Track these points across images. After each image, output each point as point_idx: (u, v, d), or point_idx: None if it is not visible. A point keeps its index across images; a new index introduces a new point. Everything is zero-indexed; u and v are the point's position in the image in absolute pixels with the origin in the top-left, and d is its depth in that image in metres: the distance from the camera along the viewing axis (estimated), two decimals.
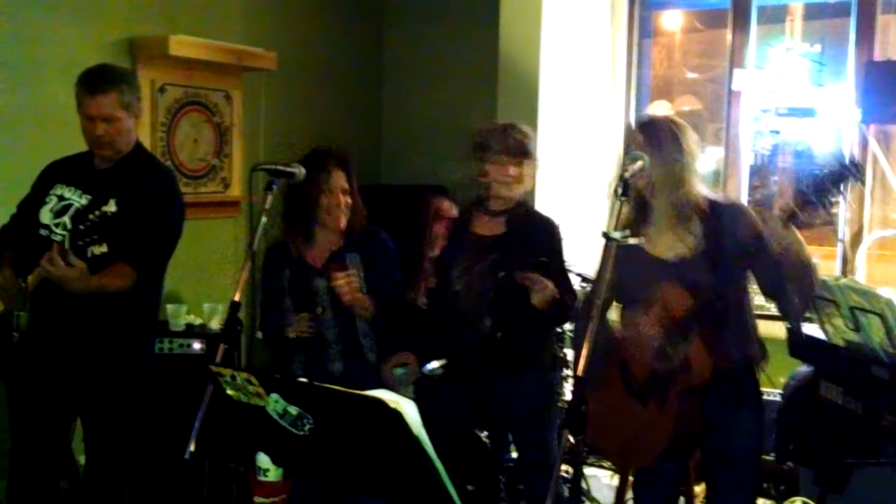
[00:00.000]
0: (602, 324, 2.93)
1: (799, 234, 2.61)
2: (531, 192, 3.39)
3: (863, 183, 2.57)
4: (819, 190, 2.53)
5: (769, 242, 2.63)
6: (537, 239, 3.25)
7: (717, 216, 2.85)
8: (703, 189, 2.88)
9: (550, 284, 3.07)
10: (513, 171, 3.24)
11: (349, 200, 3.30)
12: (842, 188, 2.52)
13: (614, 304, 3.02)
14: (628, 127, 3.04)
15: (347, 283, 3.17)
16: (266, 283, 3.36)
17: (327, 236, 3.34)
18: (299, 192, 3.19)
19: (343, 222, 3.30)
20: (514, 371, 3.29)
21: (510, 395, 3.33)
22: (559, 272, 3.25)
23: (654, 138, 2.83)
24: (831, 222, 2.54)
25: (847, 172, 2.51)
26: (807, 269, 2.67)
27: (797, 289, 2.73)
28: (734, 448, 2.84)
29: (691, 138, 2.88)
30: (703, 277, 2.75)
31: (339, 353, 3.31)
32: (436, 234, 4.48)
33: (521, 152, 3.24)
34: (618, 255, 2.77)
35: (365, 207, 3.40)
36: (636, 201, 2.87)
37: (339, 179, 3.28)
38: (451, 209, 4.52)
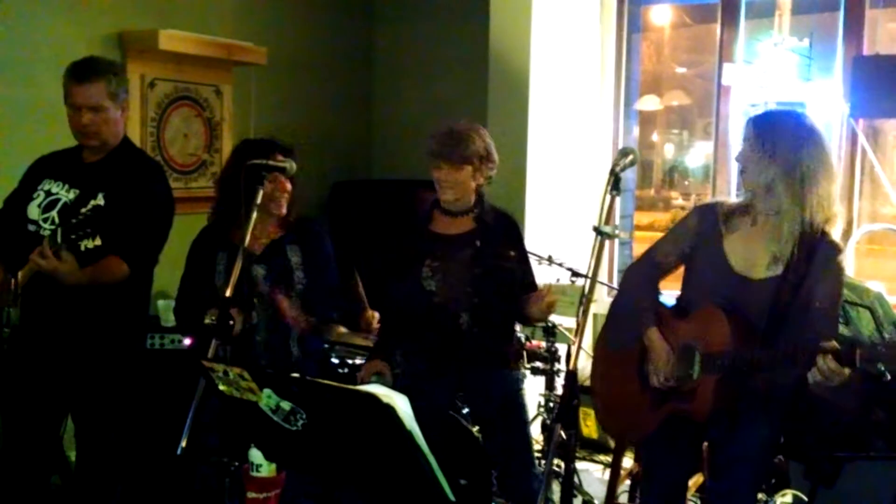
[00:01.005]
0: (653, 299, 2.90)
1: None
2: (520, 191, 3.41)
3: None
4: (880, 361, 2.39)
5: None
6: (503, 234, 3.35)
7: (811, 250, 2.60)
8: (829, 209, 2.62)
9: (552, 299, 3.15)
10: (453, 176, 3.26)
11: (290, 187, 3.26)
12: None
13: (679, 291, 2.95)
14: (748, 118, 2.79)
15: (290, 306, 3.15)
16: (194, 265, 3.28)
17: (267, 222, 3.25)
18: (240, 177, 2.97)
19: (284, 209, 3.25)
20: (490, 366, 3.34)
21: (486, 389, 3.35)
22: (523, 260, 3.40)
23: (767, 137, 2.63)
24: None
25: None
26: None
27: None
28: (744, 447, 2.78)
29: (811, 145, 2.61)
30: (761, 313, 2.61)
31: (264, 342, 3.23)
32: None
33: (461, 160, 3.25)
34: (703, 235, 2.68)
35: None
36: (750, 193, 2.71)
37: None
38: None
